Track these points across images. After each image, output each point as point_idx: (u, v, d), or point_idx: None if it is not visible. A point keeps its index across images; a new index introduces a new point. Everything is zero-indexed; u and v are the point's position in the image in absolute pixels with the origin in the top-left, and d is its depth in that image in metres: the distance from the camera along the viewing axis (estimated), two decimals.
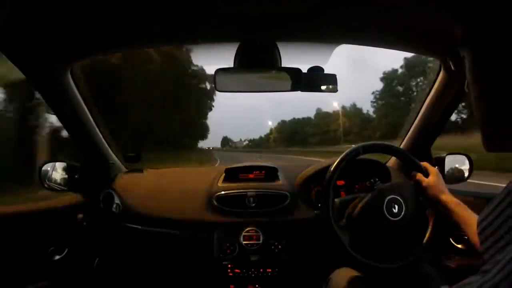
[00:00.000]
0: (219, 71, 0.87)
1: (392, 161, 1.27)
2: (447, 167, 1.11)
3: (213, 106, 20.06)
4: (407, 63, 23.04)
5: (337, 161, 0.87)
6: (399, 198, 0.80)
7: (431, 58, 1.04)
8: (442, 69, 1.00)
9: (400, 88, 24.78)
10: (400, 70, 24.43)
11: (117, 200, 1.09)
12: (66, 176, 1.10)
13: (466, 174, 1.11)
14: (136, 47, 1.18)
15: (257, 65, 0.89)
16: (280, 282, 1.05)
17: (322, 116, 36.07)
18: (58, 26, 0.73)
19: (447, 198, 0.75)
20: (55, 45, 0.82)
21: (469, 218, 0.69)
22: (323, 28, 0.81)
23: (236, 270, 1.04)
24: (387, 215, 0.78)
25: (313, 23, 0.78)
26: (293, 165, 1.43)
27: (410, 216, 0.80)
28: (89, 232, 1.09)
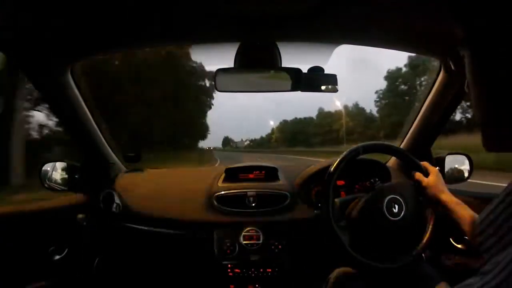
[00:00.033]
0: (219, 71, 0.87)
1: (392, 161, 1.27)
2: (447, 167, 1.11)
3: (213, 105, 19.83)
4: (411, 62, 22.61)
5: (337, 161, 0.87)
6: (399, 198, 0.80)
7: None
8: (442, 69, 1.00)
9: (404, 87, 24.37)
10: (404, 69, 24.03)
11: (117, 200, 1.09)
12: (66, 176, 1.10)
13: (466, 174, 1.11)
14: (136, 47, 1.18)
15: (257, 65, 0.89)
16: (280, 282, 1.05)
17: (324, 116, 35.72)
18: (58, 26, 0.73)
19: (447, 198, 0.75)
20: (55, 45, 0.82)
21: (469, 218, 0.69)
22: (323, 28, 0.81)
23: (236, 270, 1.04)
24: (387, 215, 0.78)
25: (313, 23, 0.78)
26: (293, 165, 1.43)
27: (410, 216, 0.80)
28: (89, 232, 1.09)
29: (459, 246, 1.01)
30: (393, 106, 23.84)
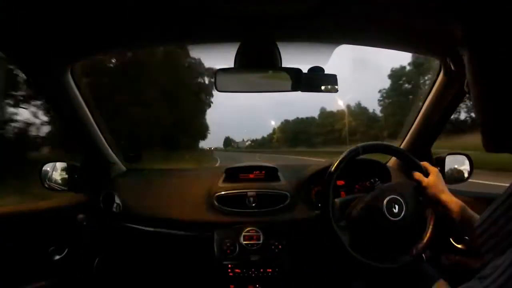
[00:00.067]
0: (219, 71, 0.87)
1: (392, 161, 1.27)
2: (447, 167, 1.11)
3: (212, 103, 19.50)
4: (415, 60, 21.84)
5: (337, 161, 0.87)
6: (399, 198, 0.80)
7: None
8: (442, 69, 1.00)
9: (408, 86, 23.75)
10: (408, 67, 23.40)
11: (117, 200, 1.09)
12: (66, 176, 1.10)
13: (466, 174, 1.11)
14: (136, 47, 1.18)
15: (258, 65, 0.89)
16: (280, 282, 1.05)
17: (327, 116, 35.20)
18: (58, 26, 0.73)
19: (447, 198, 0.75)
20: (55, 45, 0.82)
21: (470, 218, 0.69)
22: (323, 28, 0.81)
23: (236, 270, 1.04)
24: (387, 215, 0.78)
25: (313, 23, 0.78)
26: (293, 165, 1.43)
27: (410, 216, 0.80)
28: (89, 232, 1.09)
29: (459, 246, 1.01)
30: (397, 106, 23.26)
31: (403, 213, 0.79)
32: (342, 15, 0.74)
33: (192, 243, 1.09)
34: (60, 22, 0.72)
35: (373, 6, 0.69)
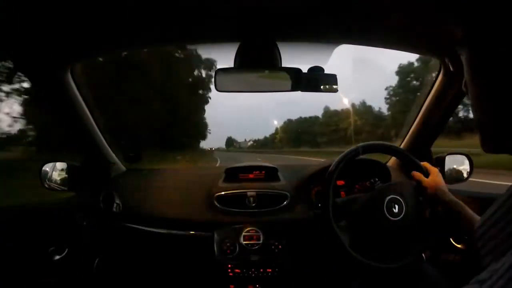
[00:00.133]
0: (219, 71, 0.87)
1: (392, 161, 1.27)
2: (447, 167, 1.11)
3: (210, 98, 18.94)
4: (423, 56, 21.78)
5: (337, 161, 0.87)
6: (399, 198, 0.80)
7: None
8: (442, 69, 1.00)
9: (416, 83, 22.29)
10: (416, 64, 21.89)
11: (117, 200, 1.09)
12: (66, 176, 1.10)
13: (466, 174, 1.11)
14: (136, 47, 1.18)
15: (257, 65, 0.89)
16: (280, 282, 1.05)
17: (331, 115, 34.13)
18: (58, 26, 0.73)
19: (447, 198, 0.75)
20: (55, 45, 0.82)
21: (470, 218, 0.69)
22: (323, 28, 0.81)
23: (236, 270, 1.04)
24: (387, 215, 0.78)
25: (313, 23, 0.78)
26: (293, 165, 1.43)
27: (410, 216, 0.80)
28: (89, 232, 1.09)
29: (459, 246, 1.01)
30: (405, 103, 22.14)
31: (403, 213, 0.79)
32: (342, 15, 0.74)
33: (192, 243, 1.09)
34: (60, 22, 0.72)
35: (373, 6, 0.69)
